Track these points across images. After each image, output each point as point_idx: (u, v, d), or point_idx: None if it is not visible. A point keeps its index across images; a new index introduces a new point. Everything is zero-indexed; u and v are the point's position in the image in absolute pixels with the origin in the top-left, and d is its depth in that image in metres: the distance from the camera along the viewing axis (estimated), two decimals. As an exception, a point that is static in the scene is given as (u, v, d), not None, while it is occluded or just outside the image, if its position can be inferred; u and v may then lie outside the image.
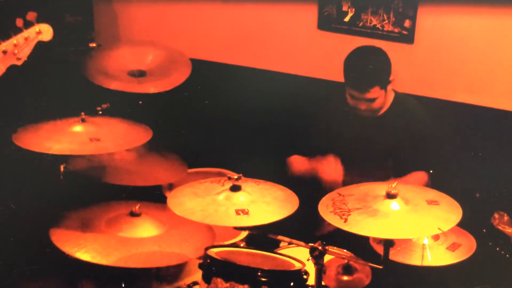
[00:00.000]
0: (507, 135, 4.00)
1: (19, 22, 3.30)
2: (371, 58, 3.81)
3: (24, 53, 3.25)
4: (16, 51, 3.22)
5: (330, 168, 3.80)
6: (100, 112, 3.93)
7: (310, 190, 3.52)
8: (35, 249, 3.61)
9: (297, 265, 3.02)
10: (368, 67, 3.76)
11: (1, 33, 3.25)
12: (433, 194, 3.06)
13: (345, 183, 3.70)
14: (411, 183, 3.63)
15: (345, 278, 3.11)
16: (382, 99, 3.80)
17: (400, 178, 3.69)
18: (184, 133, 4.68)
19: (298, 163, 4.01)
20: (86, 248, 3.16)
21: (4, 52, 3.21)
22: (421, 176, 3.82)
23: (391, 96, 3.91)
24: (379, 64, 3.79)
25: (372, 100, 3.76)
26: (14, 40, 3.22)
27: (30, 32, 3.25)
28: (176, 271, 3.47)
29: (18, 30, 3.25)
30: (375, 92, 3.73)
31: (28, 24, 3.26)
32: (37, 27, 3.26)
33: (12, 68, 4.05)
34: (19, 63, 3.26)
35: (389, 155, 3.88)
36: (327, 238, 3.00)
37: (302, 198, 3.09)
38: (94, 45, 4.54)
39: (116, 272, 3.21)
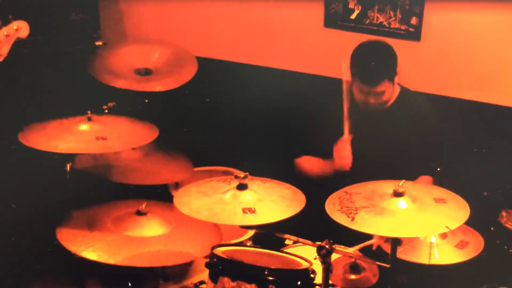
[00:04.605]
0: (515, 133, 4.00)
1: None
2: (378, 52, 3.82)
3: (4, 50, 3.26)
4: None
5: (342, 152, 3.82)
6: (106, 111, 3.92)
7: (318, 191, 3.52)
8: (41, 248, 3.61)
9: (304, 264, 3.01)
10: (376, 62, 3.76)
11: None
12: (441, 192, 3.05)
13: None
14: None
15: (352, 277, 3.10)
16: (390, 91, 3.80)
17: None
18: (187, 131, 4.67)
19: (310, 163, 4.01)
20: (92, 247, 3.15)
21: None
22: (426, 180, 3.80)
23: (397, 89, 3.91)
24: (387, 57, 3.80)
25: (381, 93, 3.76)
26: None
27: (9, 29, 3.27)
28: (182, 270, 3.46)
29: None
30: (384, 85, 3.74)
31: (5, 22, 3.27)
32: (14, 24, 3.28)
33: (16, 67, 4.06)
34: (0, 59, 3.27)
35: (396, 149, 3.87)
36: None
37: (309, 198, 3.09)
38: (100, 43, 4.54)
39: (122, 271, 3.20)
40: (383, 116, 3.88)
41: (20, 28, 3.29)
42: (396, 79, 3.84)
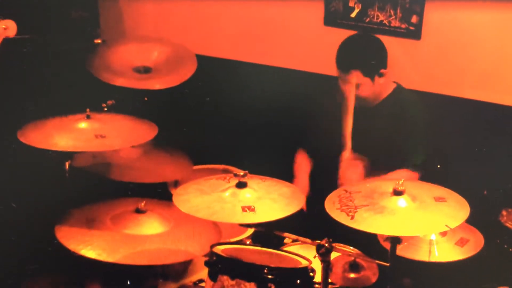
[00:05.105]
0: (515, 132, 3.99)
1: None
2: (357, 41, 3.88)
3: None
4: None
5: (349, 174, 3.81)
6: (106, 109, 3.92)
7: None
8: (40, 246, 3.61)
9: (304, 263, 3.01)
10: (349, 48, 3.82)
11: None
12: (441, 191, 3.04)
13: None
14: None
15: (352, 275, 3.10)
16: (367, 87, 3.80)
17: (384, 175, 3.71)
18: (186, 129, 4.67)
19: (301, 165, 4.05)
20: (91, 246, 3.14)
21: None
22: (405, 175, 3.76)
23: (389, 88, 3.91)
24: (364, 48, 3.85)
25: (356, 86, 3.75)
26: None
27: None
28: (181, 269, 3.46)
29: None
30: (356, 76, 3.75)
31: None
32: (3, 24, 3.28)
33: (16, 65, 4.05)
34: None
35: (385, 146, 3.86)
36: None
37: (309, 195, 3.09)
38: (99, 41, 4.53)
39: (121, 269, 3.19)
40: (372, 112, 3.88)
41: (8, 27, 3.31)
42: (382, 79, 3.82)
